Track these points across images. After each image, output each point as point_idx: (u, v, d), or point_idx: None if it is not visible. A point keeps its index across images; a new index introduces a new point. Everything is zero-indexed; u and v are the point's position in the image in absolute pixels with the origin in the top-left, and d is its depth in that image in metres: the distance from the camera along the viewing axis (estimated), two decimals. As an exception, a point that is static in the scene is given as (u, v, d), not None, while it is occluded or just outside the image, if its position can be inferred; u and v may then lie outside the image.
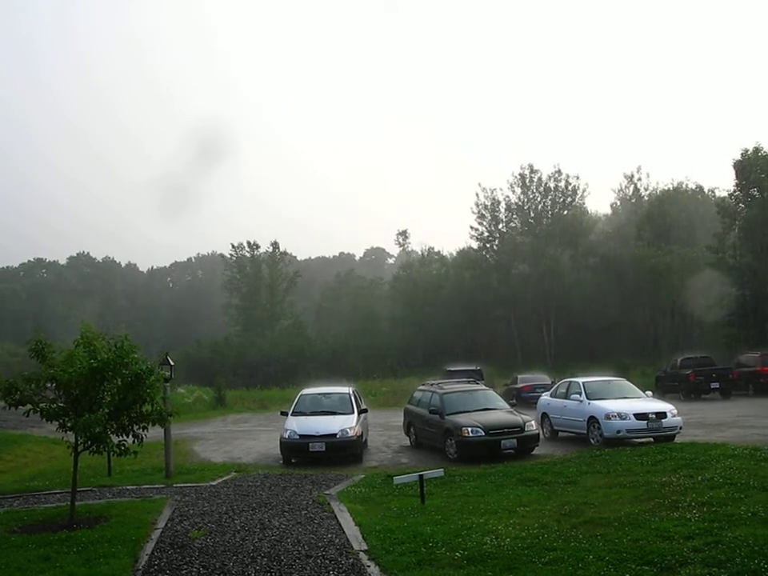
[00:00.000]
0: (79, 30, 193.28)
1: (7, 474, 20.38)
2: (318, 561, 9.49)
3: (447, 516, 11.80)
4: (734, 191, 53.50)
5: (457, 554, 9.43)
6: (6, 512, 13.65)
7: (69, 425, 12.00)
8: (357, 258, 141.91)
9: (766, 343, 41.20)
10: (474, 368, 38.44)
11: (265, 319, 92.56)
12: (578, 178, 74.02)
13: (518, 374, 41.46)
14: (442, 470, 14.60)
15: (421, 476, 13.29)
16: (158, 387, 12.63)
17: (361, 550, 10.00)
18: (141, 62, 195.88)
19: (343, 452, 19.44)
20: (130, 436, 12.56)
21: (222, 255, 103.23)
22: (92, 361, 11.84)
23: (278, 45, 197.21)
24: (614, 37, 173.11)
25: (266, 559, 9.62)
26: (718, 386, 35.56)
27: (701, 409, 29.53)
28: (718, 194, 61.98)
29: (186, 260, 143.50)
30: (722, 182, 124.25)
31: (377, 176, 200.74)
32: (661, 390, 37.13)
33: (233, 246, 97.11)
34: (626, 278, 65.15)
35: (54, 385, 12.16)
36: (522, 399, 33.36)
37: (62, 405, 12.33)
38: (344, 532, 11.07)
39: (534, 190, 74.81)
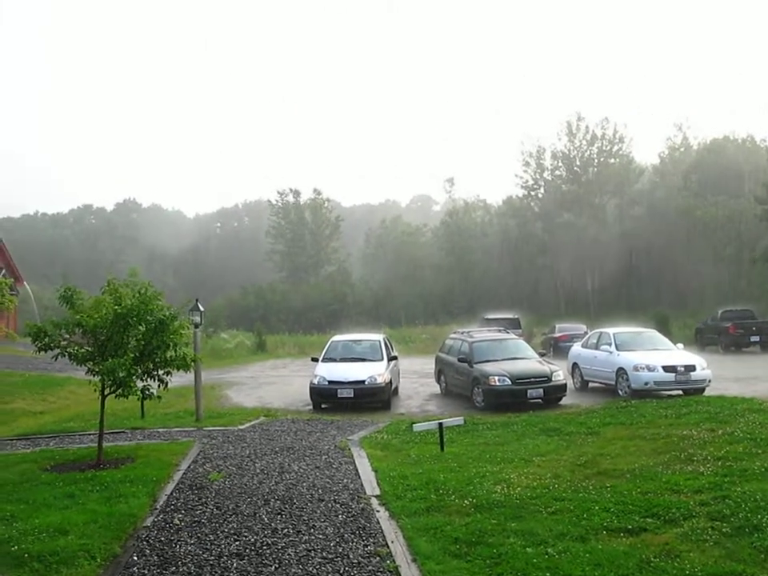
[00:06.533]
0: None
1: (48, 414, 20.96)
2: (330, 504, 9.72)
3: (463, 464, 11.91)
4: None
5: (466, 501, 9.55)
6: (41, 451, 14.15)
7: (96, 369, 12.37)
8: (403, 205, 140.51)
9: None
10: (511, 316, 38.46)
11: (309, 265, 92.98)
12: (625, 126, 72.76)
13: (557, 323, 41.23)
14: (462, 418, 14.78)
15: (440, 424, 13.46)
16: (181, 333, 12.89)
17: (373, 495, 10.20)
18: None
19: (371, 398, 19.70)
20: (155, 380, 12.88)
21: (268, 201, 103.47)
22: (116, 307, 12.13)
23: None
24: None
25: (278, 502, 9.87)
26: (758, 340, 35.11)
27: (738, 362, 29.25)
28: (769, 143, 60.49)
29: (232, 206, 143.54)
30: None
31: (425, 123, 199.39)
32: (701, 342, 36.84)
33: (279, 193, 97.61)
34: (671, 228, 64.17)
35: (81, 330, 12.51)
36: (560, 349, 32.88)
37: (89, 349, 12.67)
38: (359, 477, 11.29)
39: (581, 138, 73.54)
